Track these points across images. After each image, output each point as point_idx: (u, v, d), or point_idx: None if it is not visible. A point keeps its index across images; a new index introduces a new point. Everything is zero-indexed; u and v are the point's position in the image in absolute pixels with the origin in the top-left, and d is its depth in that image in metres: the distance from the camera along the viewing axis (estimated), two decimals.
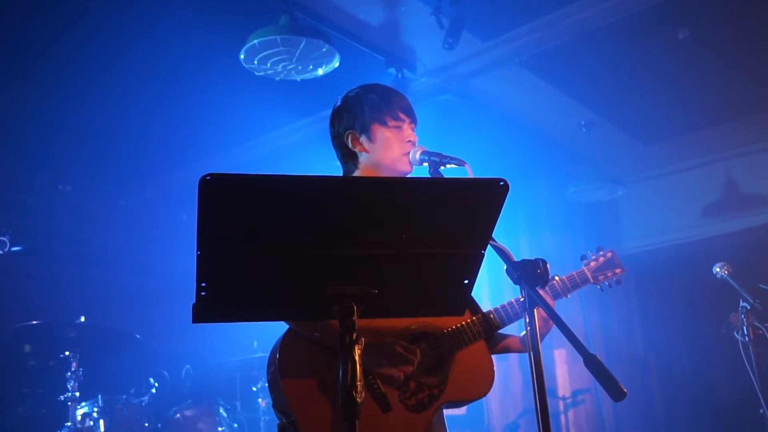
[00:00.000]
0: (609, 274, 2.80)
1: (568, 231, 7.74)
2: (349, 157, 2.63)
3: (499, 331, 2.60)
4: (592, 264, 2.79)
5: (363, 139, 2.57)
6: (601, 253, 2.82)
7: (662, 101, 6.30)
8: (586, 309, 7.52)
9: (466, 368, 2.48)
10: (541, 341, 2.09)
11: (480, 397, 2.51)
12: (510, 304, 2.56)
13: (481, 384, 2.49)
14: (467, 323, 2.50)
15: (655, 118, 6.64)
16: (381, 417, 2.31)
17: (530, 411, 6.86)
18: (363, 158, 2.59)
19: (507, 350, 2.67)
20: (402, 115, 2.59)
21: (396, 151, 2.55)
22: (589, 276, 2.76)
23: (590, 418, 7.32)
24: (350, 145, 2.59)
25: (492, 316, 2.54)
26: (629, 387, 1.92)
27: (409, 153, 2.55)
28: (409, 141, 2.58)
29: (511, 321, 2.56)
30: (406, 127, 2.59)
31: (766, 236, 7.01)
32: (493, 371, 2.52)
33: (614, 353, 7.46)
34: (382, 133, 2.56)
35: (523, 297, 2.05)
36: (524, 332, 2.24)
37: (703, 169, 7.41)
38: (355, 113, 2.59)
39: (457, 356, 2.48)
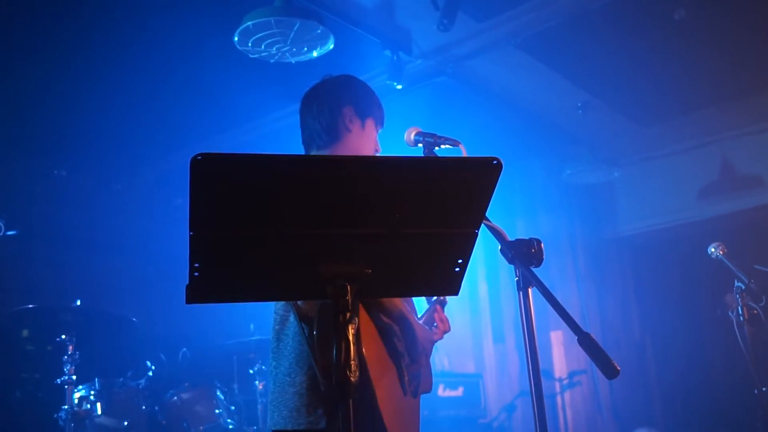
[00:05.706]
0: None
1: (565, 213, 7.75)
2: (332, 127, 2.57)
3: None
4: None
5: (356, 121, 2.57)
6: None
7: (658, 82, 6.27)
8: (582, 291, 7.54)
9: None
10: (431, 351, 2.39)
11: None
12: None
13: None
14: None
15: (652, 100, 6.62)
16: (403, 401, 2.34)
17: (527, 392, 6.87)
18: (346, 137, 2.57)
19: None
20: (381, 124, 2.70)
21: (368, 152, 2.62)
22: None
23: (586, 400, 7.35)
24: (345, 118, 2.57)
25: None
26: (625, 368, 1.93)
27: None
28: (376, 150, 2.67)
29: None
30: (376, 134, 2.69)
31: (761, 217, 7.02)
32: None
33: (610, 335, 7.48)
34: (370, 128, 2.62)
35: (517, 276, 2.05)
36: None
37: (700, 151, 7.40)
38: (358, 96, 2.62)
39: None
